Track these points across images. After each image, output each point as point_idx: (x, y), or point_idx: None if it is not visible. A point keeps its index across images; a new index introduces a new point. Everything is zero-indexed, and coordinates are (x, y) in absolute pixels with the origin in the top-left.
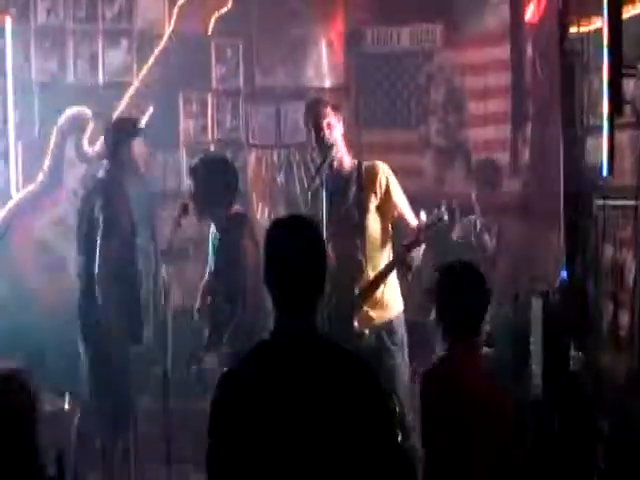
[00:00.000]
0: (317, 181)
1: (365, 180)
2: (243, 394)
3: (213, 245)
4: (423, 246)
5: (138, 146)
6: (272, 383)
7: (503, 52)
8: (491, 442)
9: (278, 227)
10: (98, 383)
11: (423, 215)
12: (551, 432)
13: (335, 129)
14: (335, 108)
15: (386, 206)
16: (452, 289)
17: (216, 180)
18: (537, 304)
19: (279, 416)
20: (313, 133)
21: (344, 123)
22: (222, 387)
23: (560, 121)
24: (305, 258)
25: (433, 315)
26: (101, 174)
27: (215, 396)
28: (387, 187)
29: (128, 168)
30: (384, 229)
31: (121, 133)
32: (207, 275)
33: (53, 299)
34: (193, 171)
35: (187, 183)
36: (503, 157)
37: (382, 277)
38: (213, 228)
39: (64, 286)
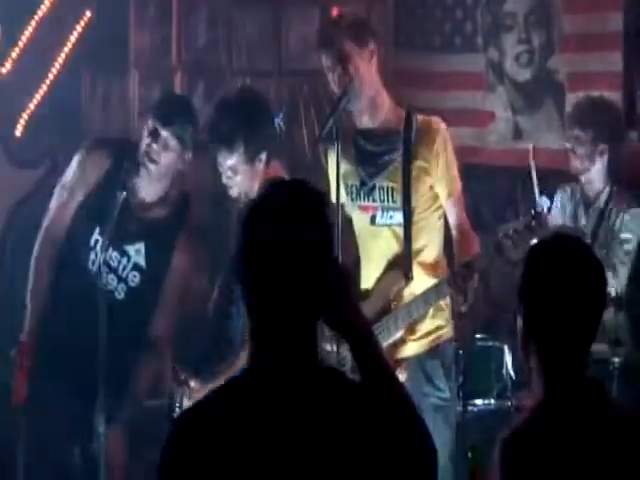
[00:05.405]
0: (328, 129)
1: (417, 144)
2: (208, 445)
3: None
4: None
5: None
6: (251, 431)
7: None
8: None
9: (262, 203)
10: None
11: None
12: None
13: (357, 62)
14: (361, 30)
15: (440, 188)
16: (555, 282)
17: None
18: None
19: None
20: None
21: (377, 53)
22: (179, 434)
23: None
24: (304, 248)
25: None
26: None
27: (169, 446)
28: (445, 162)
29: None
30: (436, 226)
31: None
32: None
33: None
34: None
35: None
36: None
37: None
38: None
39: None
